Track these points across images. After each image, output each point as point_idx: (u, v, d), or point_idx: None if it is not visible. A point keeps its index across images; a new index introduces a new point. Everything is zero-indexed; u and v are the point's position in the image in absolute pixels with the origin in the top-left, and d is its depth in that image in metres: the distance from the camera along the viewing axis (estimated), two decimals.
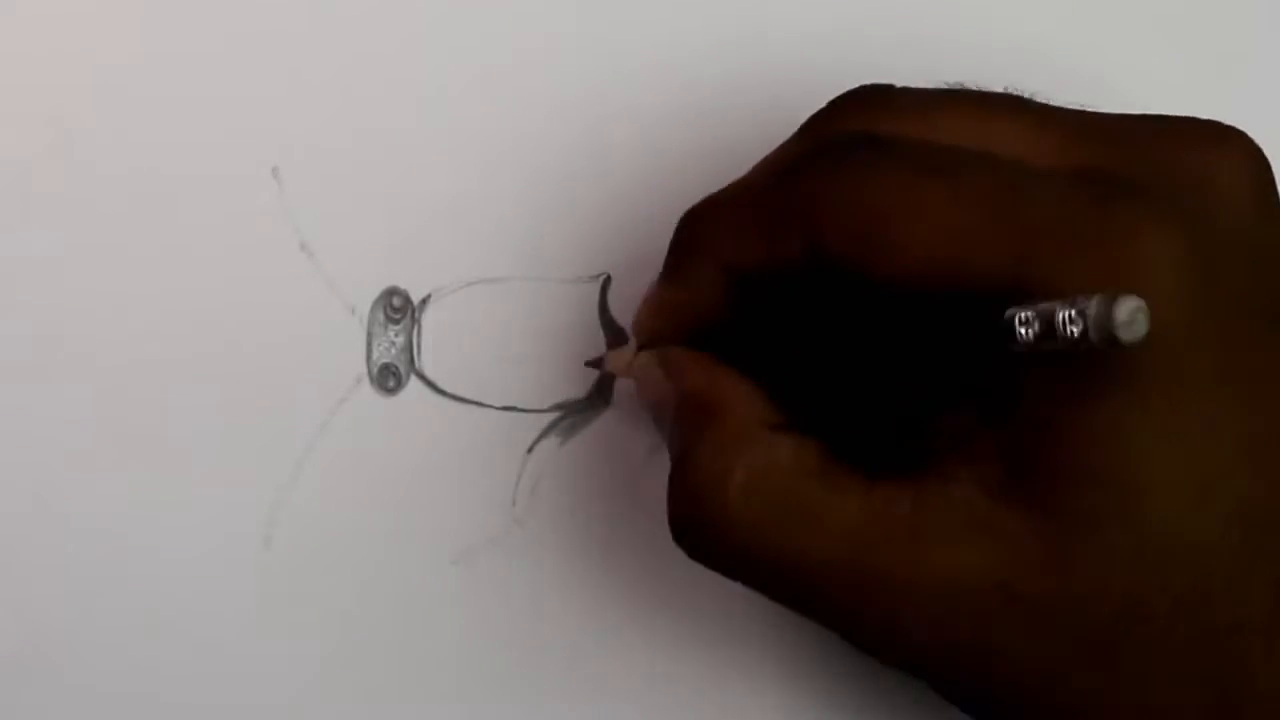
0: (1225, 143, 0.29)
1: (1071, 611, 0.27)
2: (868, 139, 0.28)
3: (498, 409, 0.35)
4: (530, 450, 0.35)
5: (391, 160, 0.35)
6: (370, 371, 0.35)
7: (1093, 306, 0.24)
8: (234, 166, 0.34)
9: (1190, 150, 0.29)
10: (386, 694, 0.35)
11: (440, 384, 0.35)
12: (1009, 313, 0.26)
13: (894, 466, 0.28)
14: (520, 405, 0.35)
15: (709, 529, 0.29)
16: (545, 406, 0.35)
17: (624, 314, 0.35)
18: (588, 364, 0.35)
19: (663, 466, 0.30)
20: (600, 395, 0.35)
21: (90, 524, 0.34)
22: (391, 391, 0.35)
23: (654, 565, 0.35)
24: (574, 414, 0.35)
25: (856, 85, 0.30)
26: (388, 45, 0.35)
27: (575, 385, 0.35)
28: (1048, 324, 0.25)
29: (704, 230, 0.30)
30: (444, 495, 0.35)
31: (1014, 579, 0.27)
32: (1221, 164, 0.29)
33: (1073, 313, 0.25)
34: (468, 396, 0.35)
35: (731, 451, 0.28)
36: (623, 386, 0.35)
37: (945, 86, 0.30)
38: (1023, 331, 0.26)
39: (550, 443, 0.35)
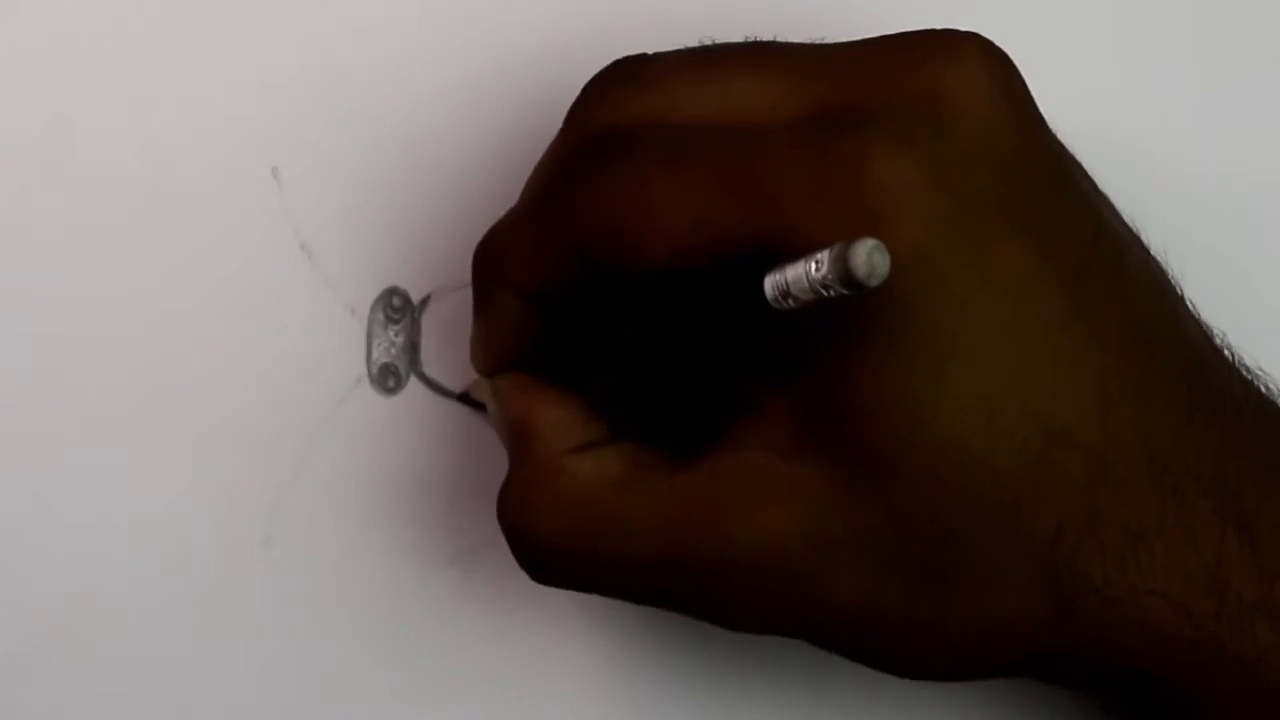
0: (954, 49, 0.28)
1: (885, 548, 0.28)
2: (610, 137, 0.29)
3: None
4: None
5: (391, 161, 0.35)
6: (370, 371, 0.35)
7: (828, 258, 0.24)
8: (234, 166, 0.34)
9: (919, 65, 0.28)
10: (386, 694, 0.35)
11: (440, 384, 0.35)
12: (765, 280, 0.26)
13: (707, 447, 0.29)
14: None
15: (536, 558, 0.30)
16: None
17: None
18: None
19: None
20: None
21: (90, 524, 0.34)
22: (391, 391, 0.35)
23: None
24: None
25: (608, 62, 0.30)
26: (388, 45, 0.35)
27: None
28: (799, 282, 0.25)
29: (492, 262, 0.31)
30: (444, 495, 0.35)
31: (821, 530, 0.28)
32: (951, 72, 0.28)
33: (815, 267, 0.25)
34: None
35: (535, 484, 0.30)
36: None
37: (693, 46, 0.30)
38: (778, 295, 0.26)
39: None
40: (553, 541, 0.29)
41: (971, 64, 0.28)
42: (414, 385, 0.35)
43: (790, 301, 0.26)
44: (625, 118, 0.29)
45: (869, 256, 0.24)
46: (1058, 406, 0.27)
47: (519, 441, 0.30)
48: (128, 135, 0.34)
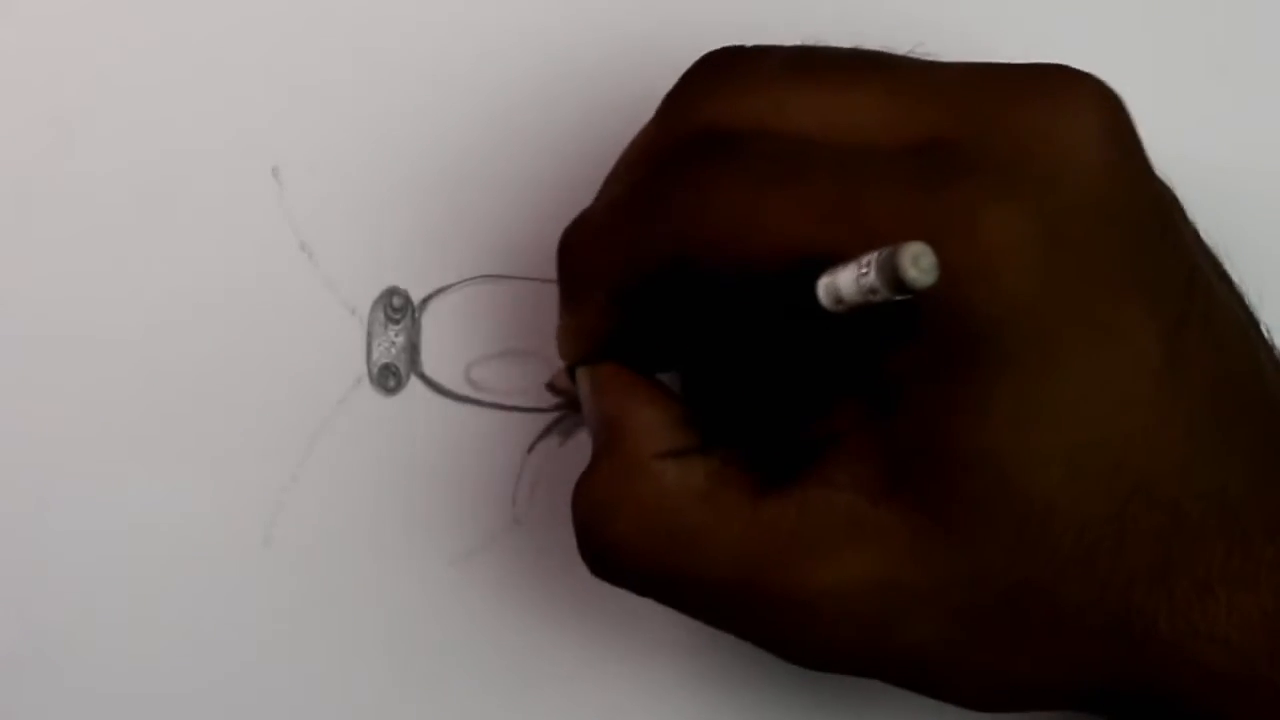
0: (1068, 91, 0.28)
1: (962, 596, 0.28)
2: (715, 142, 0.28)
3: (498, 408, 0.35)
4: (530, 450, 0.35)
5: (391, 161, 0.35)
6: (370, 371, 0.35)
7: (875, 263, 0.24)
8: (234, 166, 0.34)
9: (1032, 104, 0.28)
10: (387, 694, 0.35)
11: (440, 384, 0.35)
12: (819, 282, 0.26)
13: (794, 470, 0.29)
14: (520, 404, 0.35)
15: (603, 554, 0.29)
16: (545, 406, 0.35)
17: None
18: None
19: None
20: None
21: (90, 524, 0.34)
22: (391, 391, 0.35)
23: None
24: (574, 413, 0.35)
25: (708, 51, 0.30)
26: (388, 46, 0.35)
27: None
28: (849, 285, 0.25)
29: (578, 258, 0.30)
30: (444, 495, 0.35)
31: (899, 577, 0.28)
32: (1065, 115, 0.28)
33: (863, 271, 0.25)
34: (468, 396, 0.35)
35: (619, 483, 0.29)
36: None
37: (797, 46, 0.30)
38: (832, 299, 0.26)
39: (550, 442, 0.35)
40: (625, 542, 0.29)
41: (1084, 107, 0.28)
42: (414, 385, 0.35)
43: (841, 305, 0.26)
44: (730, 119, 0.29)
45: (916, 261, 0.24)
46: (1144, 460, 0.27)
47: (608, 435, 0.30)
48: (128, 136, 0.34)
